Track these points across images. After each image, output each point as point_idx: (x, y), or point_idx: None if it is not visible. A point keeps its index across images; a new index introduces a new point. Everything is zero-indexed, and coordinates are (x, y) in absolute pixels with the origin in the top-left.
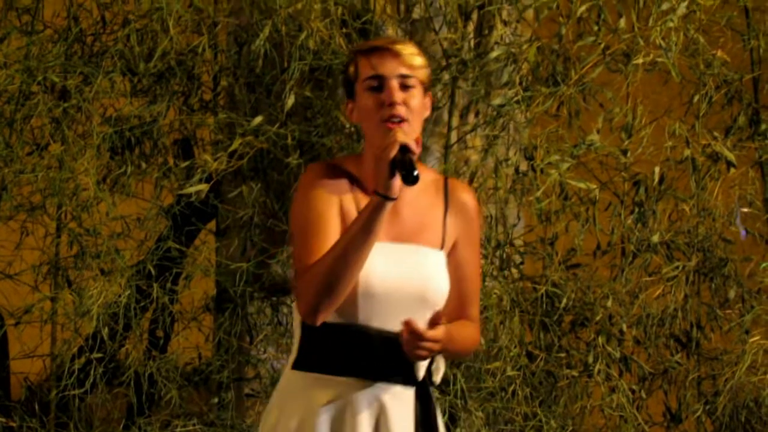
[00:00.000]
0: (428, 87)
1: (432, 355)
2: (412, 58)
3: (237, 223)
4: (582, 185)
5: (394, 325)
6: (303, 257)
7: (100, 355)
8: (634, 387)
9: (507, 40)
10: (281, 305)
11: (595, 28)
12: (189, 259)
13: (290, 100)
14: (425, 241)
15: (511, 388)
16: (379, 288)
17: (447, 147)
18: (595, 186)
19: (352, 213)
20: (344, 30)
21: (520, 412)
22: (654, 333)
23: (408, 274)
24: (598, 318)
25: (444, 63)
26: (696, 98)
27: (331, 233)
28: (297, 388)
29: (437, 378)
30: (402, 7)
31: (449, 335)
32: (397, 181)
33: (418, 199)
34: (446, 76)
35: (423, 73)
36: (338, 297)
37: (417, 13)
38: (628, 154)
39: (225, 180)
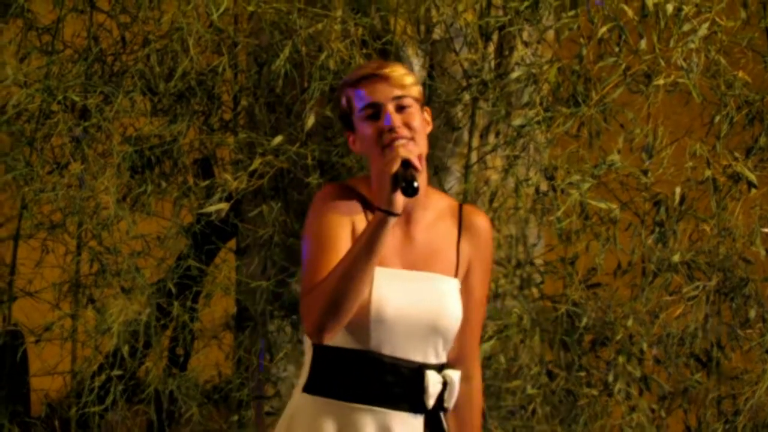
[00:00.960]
0: (423, 103)
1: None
2: (403, 78)
3: (257, 242)
4: (603, 205)
5: (406, 353)
6: (310, 275)
7: (120, 372)
8: (654, 406)
9: (528, 61)
10: (301, 324)
11: (616, 49)
12: (209, 278)
13: (310, 120)
14: (439, 269)
15: (531, 407)
16: (391, 315)
17: (467, 167)
18: (615, 206)
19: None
20: (364, 50)
21: (540, 430)
22: (674, 352)
23: (421, 301)
24: (618, 337)
25: (464, 83)
26: (717, 119)
27: (341, 252)
28: (306, 412)
29: (450, 404)
30: (422, 27)
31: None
32: (399, 196)
33: (433, 225)
34: (467, 97)
35: (416, 91)
36: (343, 315)
37: (437, 33)
38: (649, 175)
39: (245, 199)
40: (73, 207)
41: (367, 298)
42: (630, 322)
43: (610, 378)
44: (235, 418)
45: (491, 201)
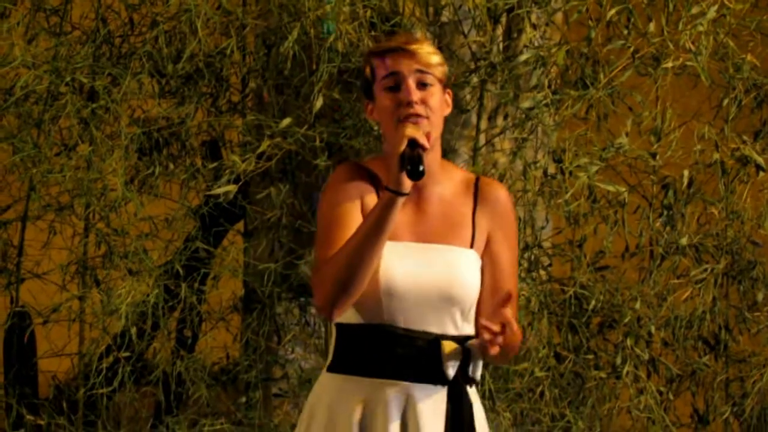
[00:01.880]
0: (447, 84)
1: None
2: (429, 57)
3: (265, 224)
4: (611, 188)
5: (421, 324)
6: (321, 252)
7: (128, 354)
8: (661, 389)
9: (536, 44)
10: (309, 306)
11: (625, 31)
12: (217, 260)
13: (318, 102)
14: (453, 240)
15: (539, 389)
16: (401, 287)
17: (475, 149)
18: (623, 189)
19: None
20: (373, 33)
21: (548, 413)
22: (682, 335)
23: (432, 272)
24: (626, 320)
25: (473, 66)
26: (725, 102)
27: (351, 230)
28: (331, 390)
29: (477, 374)
30: (431, 10)
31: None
32: (406, 176)
33: (447, 198)
34: (475, 79)
35: (440, 71)
36: (352, 292)
37: (446, 16)
38: (657, 158)
39: (253, 181)
40: (81, 189)
41: (377, 272)
42: (638, 305)
43: (618, 360)
44: (243, 399)
45: None
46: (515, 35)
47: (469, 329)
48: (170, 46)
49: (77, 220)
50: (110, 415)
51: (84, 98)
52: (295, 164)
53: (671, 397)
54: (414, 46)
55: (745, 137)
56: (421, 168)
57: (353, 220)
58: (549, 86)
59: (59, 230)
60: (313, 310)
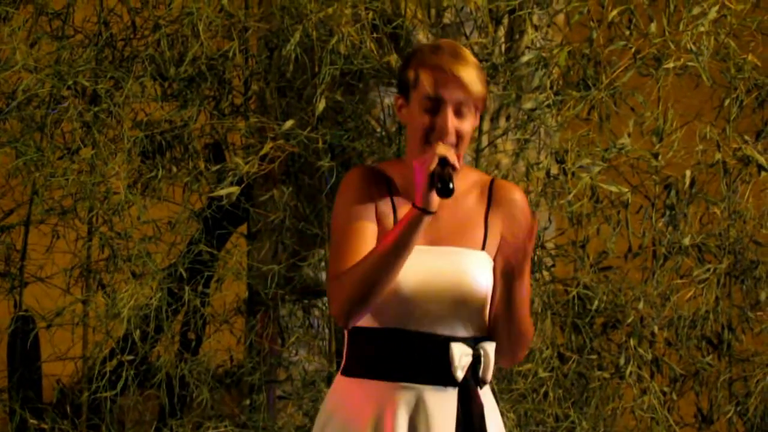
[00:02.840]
0: (483, 107)
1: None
2: (473, 85)
3: (268, 227)
4: (613, 188)
5: (431, 327)
6: (337, 261)
7: (131, 357)
8: (665, 389)
9: (538, 45)
10: (313, 308)
11: (626, 32)
12: (220, 262)
13: (321, 105)
14: (465, 243)
15: (543, 390)
16: (410, 291)
17: (478, 151)
18: (626, 189)
19: (389, 218)
20: (375, 35)
21: (552, 413)
22: (685, 335)
23: (441, 274)
24: (629, 320)
25: None
26: (727, 102)
27: (368, 238)
28: (344, 393)
29: (487, 376)
30: (433, 11)
31: None
32: (435, 194)
33: (460, 200)
34: None
35: (480, 98)
36: (371, 304)
37: (448, 17)
38: (659, 158)
39: (256, 184)
40: (84, 192)
41: None
42: (641, 305)
43: (622, 361)
44: (247, 402)
45: None
46: (517, 37)
47: (480, 331)
48: (172, 49)
49: (80, 223)
50: (114, 418)
51: (86, 102)
52: (298, 166)
53: (675, 397)
54: (462, 73)
55: (746, 137)
56: (451, 186)
57: (369, 229)
58: (551, 87)
59: (62, 234)
60: (316, 312)
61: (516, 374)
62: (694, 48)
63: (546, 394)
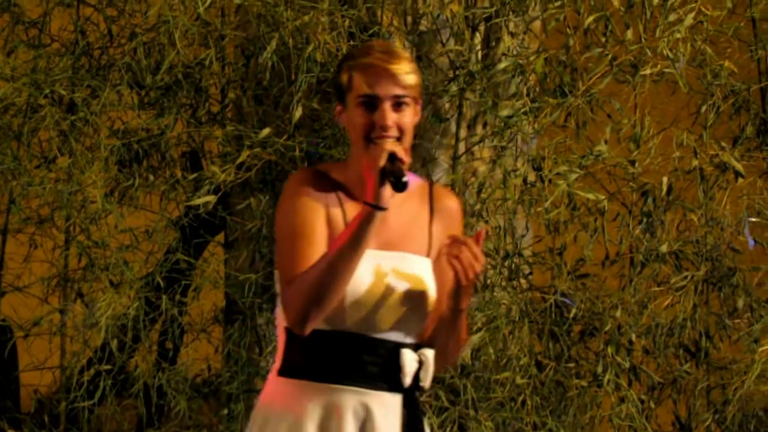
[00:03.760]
0: (419, 98)
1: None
2: (407, 78)
3: (245, 235)
4: (590, 196)
5: (381, 332)
6: (290, 266)
7: (109, 366)
8: (643, 397)
9: (514, 52)
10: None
11: (603, 39)
12: (198, 271)
13: (298, 112)
14: (412, 249)
15: (521, 398)
16: (364, 295)
17: (455, 158)
18: (603, 196)
19: (338, 220)
20: (351, 42)
21: (530, 421)
22: (663, 343)
23: (394, 281)
24: (607, 328)
25: (451, 74)
26: (704, 108)
27: (318, 241)
28: (283, 395)
29: (426, 383)
30: (409, 19)
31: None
32: (387, 190)
33: (404, 206)
34: (454, 88)
35: (416, 90)
36: (327, 307)
37: (424, 25)
38: (636, 165)
39: (233, 192)
40: (61, 201)
41: None
42: (618, 313)
43: (599, 369)
44: (225, 411)
45: (479, 192)
46: (493, 44)
47: (420, 338)
48: (149, 57)
49: (58, 232)
50: (92, 428)
51: (63, 110)
52: (275, 174)
53: (653, 405)
54: (394, 67)
55: (723, 144)
56: (404, 180)
57: (319, 231)
58: (528, 94)
59: (40, 243)
60: None
61: (494, 382)
62: (670, 54)
63: (524, 403)
